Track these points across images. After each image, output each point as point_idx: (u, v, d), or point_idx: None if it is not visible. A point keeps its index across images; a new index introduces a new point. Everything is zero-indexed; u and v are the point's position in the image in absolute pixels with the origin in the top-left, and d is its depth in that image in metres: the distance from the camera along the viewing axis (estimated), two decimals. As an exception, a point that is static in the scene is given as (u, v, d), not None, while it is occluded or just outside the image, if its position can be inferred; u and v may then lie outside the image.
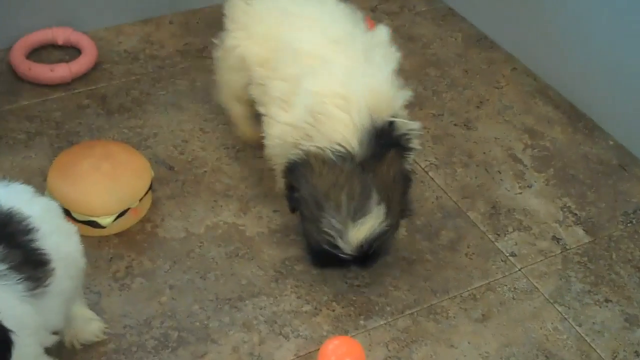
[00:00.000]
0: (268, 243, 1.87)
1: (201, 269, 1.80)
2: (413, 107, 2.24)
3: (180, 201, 1.95)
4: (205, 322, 1.70)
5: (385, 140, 1.65)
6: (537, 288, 1.82)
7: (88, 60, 2.28)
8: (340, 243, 1.64)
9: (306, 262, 1.82)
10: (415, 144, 1.73)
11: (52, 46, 2.37)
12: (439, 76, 2.40)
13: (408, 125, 1.71)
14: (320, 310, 1.75)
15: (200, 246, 1.85)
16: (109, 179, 1.82)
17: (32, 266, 1.33)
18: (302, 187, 1.68)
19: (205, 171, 2.03)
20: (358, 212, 1.63)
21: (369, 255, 1.68)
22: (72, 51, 2.36)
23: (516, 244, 1.92)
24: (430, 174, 2.07)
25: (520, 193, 2.04)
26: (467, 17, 2.63)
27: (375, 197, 1.63)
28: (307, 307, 1.75)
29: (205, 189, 1.98)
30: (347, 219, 1.63)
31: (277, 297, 1.76)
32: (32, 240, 1.35)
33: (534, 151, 2.17)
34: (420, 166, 2.09)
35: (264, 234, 1.89)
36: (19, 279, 1.29)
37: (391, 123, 1.67)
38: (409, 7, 2.70)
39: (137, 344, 1.64)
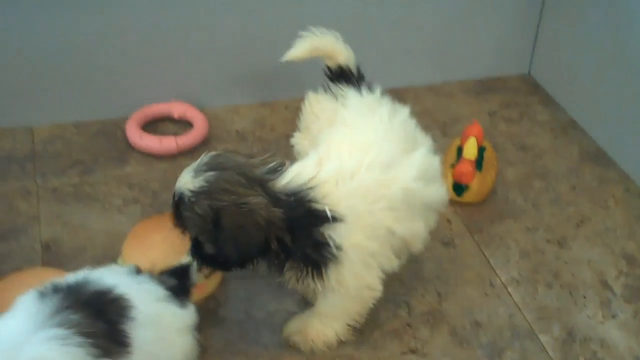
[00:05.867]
0: (323, 337, 1.85)
1: (251, 354, 1.80)
2: (506, 218, 2.18)
3: (248, 283, 1.97)
4: (240, 409, 1.69)
5: None
6: None
7: (196, 135, 2.37)
8: None
9: (356, 363, 1.79)
10: None
11: (169, 119, 2.49)
12: (543, 189, 2.31)
13: None
14: (359, 414, 1.70)
15: (257, 331, 1.85)
16: (177, 252, 1.86)
17: (112, 342, 1.43)
18: None
19: (280, 257, 2.04)
20: None
21: None
22: (187, 125, 2.47)
23: (584, 377, 1.80)
24: (509, 289, 1.99)
25: (602, 322, 1.91)
26: (588, 130, 2.54)
27: None
28: (345, 409, 1.71)
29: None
30: None
31: (319, 394, 1.73)
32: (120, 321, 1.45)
33: (628, 279, 2.03)
34: (500, 279, 2.01)
35: (321, 327, 1.87)
36: (87, 343, 1.38)
37: None
38: (529, 115, 2.63)
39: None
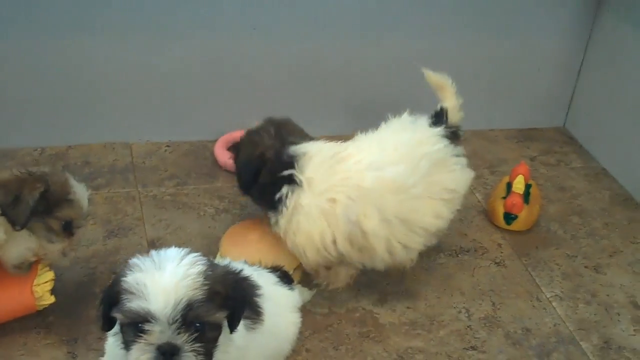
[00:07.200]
0: (396, 332, 2.14)
1: (335, 341, 2.09)
2: (549, 245, 2.50)
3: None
4: (330, 383, 1.98)
5: None
6: (632, 419, 1.99)
7: (277, 159, 2.69)
8: None
9: (426, 354, 2.08)
10: None
11: (250, 144, 2.82)
12: (580, 224, 2.64)
13: None
14: (430, 394, 1.99)
15: (339, 323, 2.15)
16: (270, 249, 2.16)
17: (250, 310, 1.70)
18: None
19: (356, 264, 2.35)
20: None
21: None
22: (265, 151, 2.79)
23: (621, 378, 2.10)
24: (553, 303, 2.29)
25: (634, 335, 2.21)
26: (618, 178, 2.88)
27: None
28: (419, 390, 2.00)
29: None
30: None
31: (394, 377, 2.02)
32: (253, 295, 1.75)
33: (656, 303, 2.35)
34: (545, 295, 2.31)
35: (395, 324, 2.16)
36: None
37: None
38: (565, 162, 2.97)
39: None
